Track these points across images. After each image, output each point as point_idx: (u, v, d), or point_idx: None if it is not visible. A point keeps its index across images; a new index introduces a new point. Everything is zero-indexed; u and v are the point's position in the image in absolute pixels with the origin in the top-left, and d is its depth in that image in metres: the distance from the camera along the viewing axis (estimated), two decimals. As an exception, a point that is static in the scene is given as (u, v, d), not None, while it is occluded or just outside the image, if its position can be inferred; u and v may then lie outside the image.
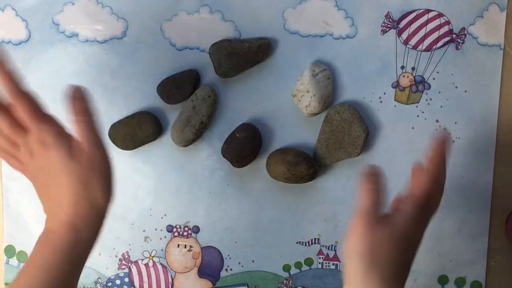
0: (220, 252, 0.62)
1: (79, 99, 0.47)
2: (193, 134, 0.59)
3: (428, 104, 0.59)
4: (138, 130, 0.59)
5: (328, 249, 0.61)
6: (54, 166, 0.46)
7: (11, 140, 0.48)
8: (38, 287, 0.44)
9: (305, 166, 0.58)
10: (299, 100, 0.58)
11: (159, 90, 0.59)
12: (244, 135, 0.58)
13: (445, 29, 0.58)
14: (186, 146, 0.60)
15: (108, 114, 0.61)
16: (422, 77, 0.59)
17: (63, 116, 0.61)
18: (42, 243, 0.46)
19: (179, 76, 0.59)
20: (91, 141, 0.46)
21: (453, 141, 0.60)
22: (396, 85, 0.59)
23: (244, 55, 0.57)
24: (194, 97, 0.59)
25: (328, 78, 0.58)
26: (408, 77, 0.59)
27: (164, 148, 0.61)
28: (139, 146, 0.61)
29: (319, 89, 0.57)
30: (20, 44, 0.61)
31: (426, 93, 0.59)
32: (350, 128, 0.58)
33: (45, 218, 0.48)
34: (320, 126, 0.59)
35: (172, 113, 0.60)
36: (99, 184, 0.47)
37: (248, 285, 0.63)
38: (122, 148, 0.60)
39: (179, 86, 0.59)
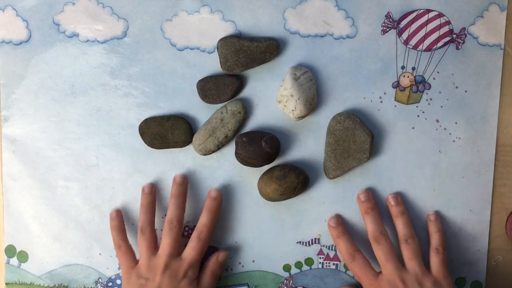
0: (220, 252, 0.62)
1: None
2: (215, 146, 0.59)
3: (429, 104, 0.59)
4: (170, 133, 0.60)
5: (329, 249, 0.62)
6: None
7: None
8: None
9: (293, 175, 0.58)
10: (285, 105, 0.58)
11: (199, 85, 0.59)
12: (269, 151, 0.58)
13: (445, 29, 0.58)
14: (205, 155, 0.60)
15: (109, 114, 0.61)
16: (423, 77, 0.59)
17: (65, 117, 0.62)
18: None
19: (222, 78, 0.59)
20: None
21: (453, 141, 0.60)
22: (397, 85, 0.59)
23: (251, 53, 0.57)
24: (224, 109, 0.59)
25: (310, 80, 0.58)
26: (408, 77, 0.59)
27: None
28: (166, 148, 0.60)
29: (303, 92, 0.57)
30: (20, 44, 0.61)
31: (427, 93, 0.59)
32: (354, 135, 0.58)
33: None
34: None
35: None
36: None
37: (248, 285, 0.63)
38: (149, 145, 0.60)
39: (219, 88, 0.59)
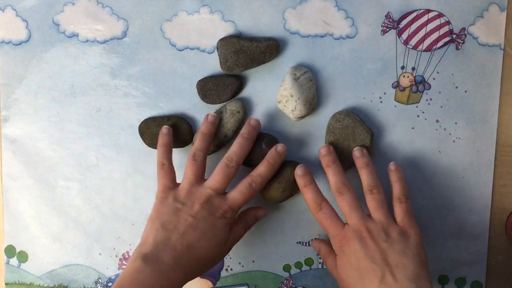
0: (220, 252, 0.62)
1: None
2: (215, 146, 0.59)
3: (428, 104, 0.59)
4: None
5: (328, 249, 0.61)
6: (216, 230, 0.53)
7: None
8: None
9: (289, 168, 0.58)
10: (285, 106, 0.58)
11: (199, 85, 0.59)
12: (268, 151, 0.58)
13: (445, 29, 0.58)
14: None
15: (109, 114, 0.61)
16: (422, 77, 0.59)
17: (65, 117, 0.62)
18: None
19: (222, 78, 0.59)
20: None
21: (453, 141, 0.60)
22: (396, 85, 0.59)
23: (251, 53, 0.57)
24: (223, 109, 0.59)
25: (310, 80, 0.58)
26: (408, 77, 0.59)
27: (164, 148, 0.61)
28: None
29: (302, 92, 0.57)
30: (20, 44, 0.61)
31: (426, 93, 0.59)
32: (354, 133, 0.58)
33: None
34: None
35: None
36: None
37: (248, 285, 0.63)
38: (148, 145, 0.60)
39: (219, 88, 0.59)
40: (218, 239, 0.53)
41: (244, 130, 0.57)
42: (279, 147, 0.56)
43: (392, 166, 0.57)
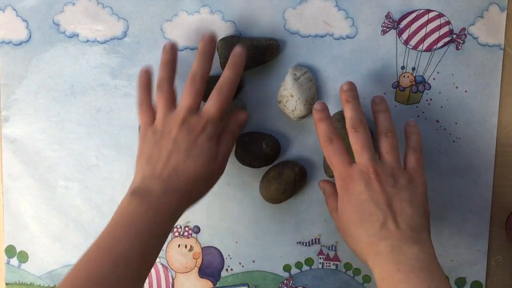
0: (220, 252, 0.63)
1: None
2: None
3: (429, 104, 0.59)
4: None
5: (329, 249, 0.62)
6: (199, 146, 0.52)
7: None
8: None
9: (288, 169, 0.58)
10: (285, 106, 0.58)
11: None
12: (270, 152, 0.58)
13: (445, 29, 0.58)
14: None
15: (109, 114, 0.61)
16: (423, 77, 0.59)
17: (65, 117, 0.62)
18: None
19: None
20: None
21: (453, 141, 0.60)
22: (397, 85, 0.59)
23: (251, 53, 0.57)
24: None
25: (310, 80, 0.58)
26: (408, 77, 0.59)
27: (164, 148, 0.61)
28: None
29: (303, 92, 0.57)
30: (20, 44, 0.61)
31: (427, 93, 0.59)
32: None
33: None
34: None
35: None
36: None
37: (248, 285, 0.63)
38: None
39: None
40: (206, 155, 0.51)
41: (200, 48, 0.54)
42: (236, 48, 0.54)
43: (411, 121, 0.56)
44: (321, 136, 0.53)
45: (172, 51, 0.56)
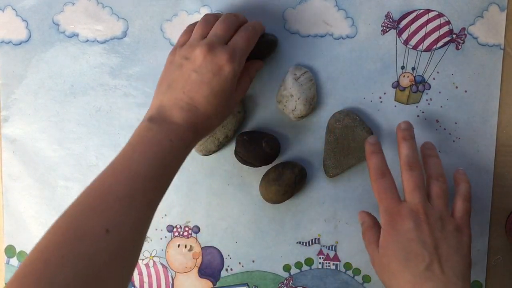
0: (220, 252, 0.62)
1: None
2: (216, 146, 0.59)
3: (428, 104, 0.59)
4: None
5: (328, 249, 0.62)
6: (222, 79, 0.49)
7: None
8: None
9: (288, 170, 0.58)
10: (285, 106, 0.58)
11: None
12: (269, 151, 0.58)
13: (445, 29, 0.58)
14: (205, 155, 0.60)
15: (109, 114, 0.61)
16: (422, 77, 0.59)
17: (65, 117, 0.62)
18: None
19: None
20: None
21: (453, 141, 0.60)
22: (396, 85, 0.59)
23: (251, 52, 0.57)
24: None
25: (310, 80, 0.58)
26: (408, 77, 0.59)
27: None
28: None
29: (303, 92, 0.57)
30: (20, 44, 0.61)
31: (426, 93, 0.59)
32: (353, 133, 0.58)
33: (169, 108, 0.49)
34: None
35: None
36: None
37: (248, 285, 0.63)
38: None
39: None
40: (226, 91, 0.50)
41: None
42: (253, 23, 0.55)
43: (461, 170, 0.56)
44: (373, 169, 0.53)
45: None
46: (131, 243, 0.44)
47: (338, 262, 0.62)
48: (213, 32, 0.51)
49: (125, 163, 0.46)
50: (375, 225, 0.54)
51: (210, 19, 0.53)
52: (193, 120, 0.49)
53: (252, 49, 0.54)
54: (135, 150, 0.47)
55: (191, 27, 0.54)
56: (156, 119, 0.49)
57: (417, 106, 0.59)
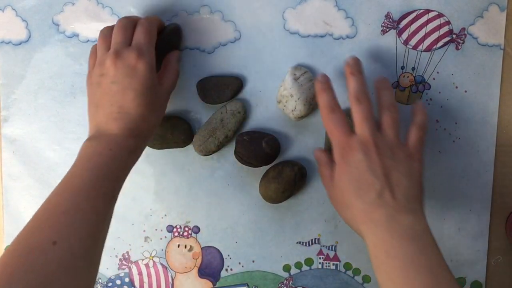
0: (220, 252, 0.62)
1: None
2: (216, 146, 0.59)
3: (428, 104, 0.59)
4: (170, 134, 0.59)
5: (328, 249, 0.62)
6: (140, 78, 0.51)
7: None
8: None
9: (288, 168, 0.58)
10: (284, 106, 0.58)
11: (199, 85, 0.59)
12: (269, 151, 0.58)
13: (445, 29, 0.58)
14: (205, 155, 0.60)
15: (108, 114, 0.61)
16: (422, 77, 0.59)
17: (65, 117, 0.62)
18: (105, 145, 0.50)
19: (222, 78, 0.59)
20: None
21: (453, 141, 0.60)
22: (397, 85, 0.59)
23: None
24: (224, 109, 0.59)
25: (310, 80, 0.58)
26: (408, 77, 0.59)
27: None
28: (166, 148, 0.60)
29: (303, 92, 0.57)
30: (20, 44, 0.61)
31: (426, 93, 0.59)
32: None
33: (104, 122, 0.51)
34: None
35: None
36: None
37: (248, 285, 0.63)
38: (148, 145, 0.60)
39: (220, 88, 0.59)
40: (150, 86, 0.51)
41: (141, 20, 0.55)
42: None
43: (420, 102, 0.56)
44: (322, 105, 0.53)
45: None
46: (83, 252, 0.45)
47: (338, 262, 0.62)
48: (113, 41, 0.53)
49: (68, 180, 0.48)
50: (330, 162, 0.54)
51: (106, 32, 0.54)
52: (130, 126, 0.51)
53: (162, 42, 0.55)
54: (77, 166, 0.49)
55: (94, 48, 0.55)
56: (95, 137, 0.51)
57: (417, 106, 0.59)
